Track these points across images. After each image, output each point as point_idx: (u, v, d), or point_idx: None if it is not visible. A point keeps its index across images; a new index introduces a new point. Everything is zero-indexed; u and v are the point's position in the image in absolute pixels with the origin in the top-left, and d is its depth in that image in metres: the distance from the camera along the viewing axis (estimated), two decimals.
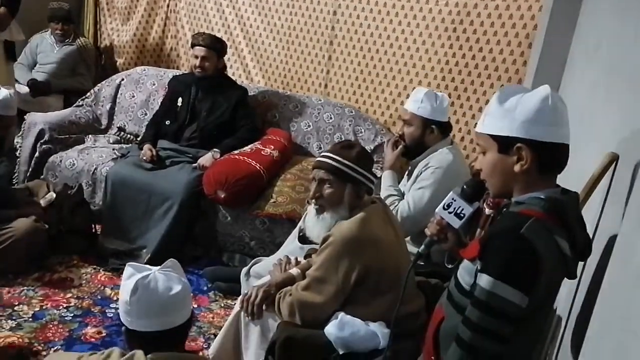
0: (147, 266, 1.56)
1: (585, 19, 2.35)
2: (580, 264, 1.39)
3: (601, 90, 1.81)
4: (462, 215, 1.42)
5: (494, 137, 1.27)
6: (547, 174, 1.27)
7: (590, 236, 1.54)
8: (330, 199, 1.94)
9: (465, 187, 1.43)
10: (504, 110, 1.24)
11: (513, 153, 1.24)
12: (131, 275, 1.51)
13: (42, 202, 2.93)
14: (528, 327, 1.25)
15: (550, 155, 1.24)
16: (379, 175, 3.08)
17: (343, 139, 3.44)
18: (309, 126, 3.60)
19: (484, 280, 1.19)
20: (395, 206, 2.37)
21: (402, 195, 2.47)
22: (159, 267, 1.54)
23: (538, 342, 1.37)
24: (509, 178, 1.28)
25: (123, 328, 1.54)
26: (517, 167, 1.24)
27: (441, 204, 1.45)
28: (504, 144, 1.25)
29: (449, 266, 1.54)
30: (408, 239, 2.38)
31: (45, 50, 4.20)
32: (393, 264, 1.88)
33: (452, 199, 1.43)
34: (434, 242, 1.49)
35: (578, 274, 1.34)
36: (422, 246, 1.50)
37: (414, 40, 3.42)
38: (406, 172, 2.59)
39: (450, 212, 1.42)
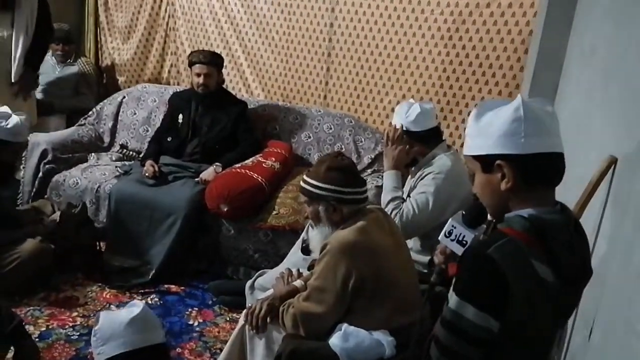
0: None
1: (580, 23, 2.37)
2: None
3: (598, 94, 1.81)
4: (464, 242, 1.36)
5: (476, 158, 1.23)
6: (538, 188, 1.18)
7: (592, 242, 1.54)
8: (312, 217, 2.00)
9: (464, 213, 1.38)
10: (480, 128, 1.19)
11: (496, 171, 1.18)
12: None
13: (48, 221, 2.93)
14: (512, 354, 1.17)
15: (534, 169, 1.16)
16: (379, 184, 3.08)
17: (343, 149, 3.46)
18: (309, 137, 3.62)
19: (452, 299, 1.15)
20: (400, 209, 2.35)
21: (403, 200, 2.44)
22: None
23: None
24: (500, 197, 1.20)
25: None
26: (502, 186, 1.18)
27: (442, 232, 1.40)
28: (485, 163, 1.20)
29: None
30: (412, 245, 2.37)
31: (46, 71, 4.22)
32: (391, 273, 1.88)
33: (452, 226, 1.38)
34: (443, 270, 1.45)
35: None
36: (434, 275, 1.47)
37: (411, 50, 3.45)
38: (409, 177, 2.56)
39: (452, 240, 1.37)
